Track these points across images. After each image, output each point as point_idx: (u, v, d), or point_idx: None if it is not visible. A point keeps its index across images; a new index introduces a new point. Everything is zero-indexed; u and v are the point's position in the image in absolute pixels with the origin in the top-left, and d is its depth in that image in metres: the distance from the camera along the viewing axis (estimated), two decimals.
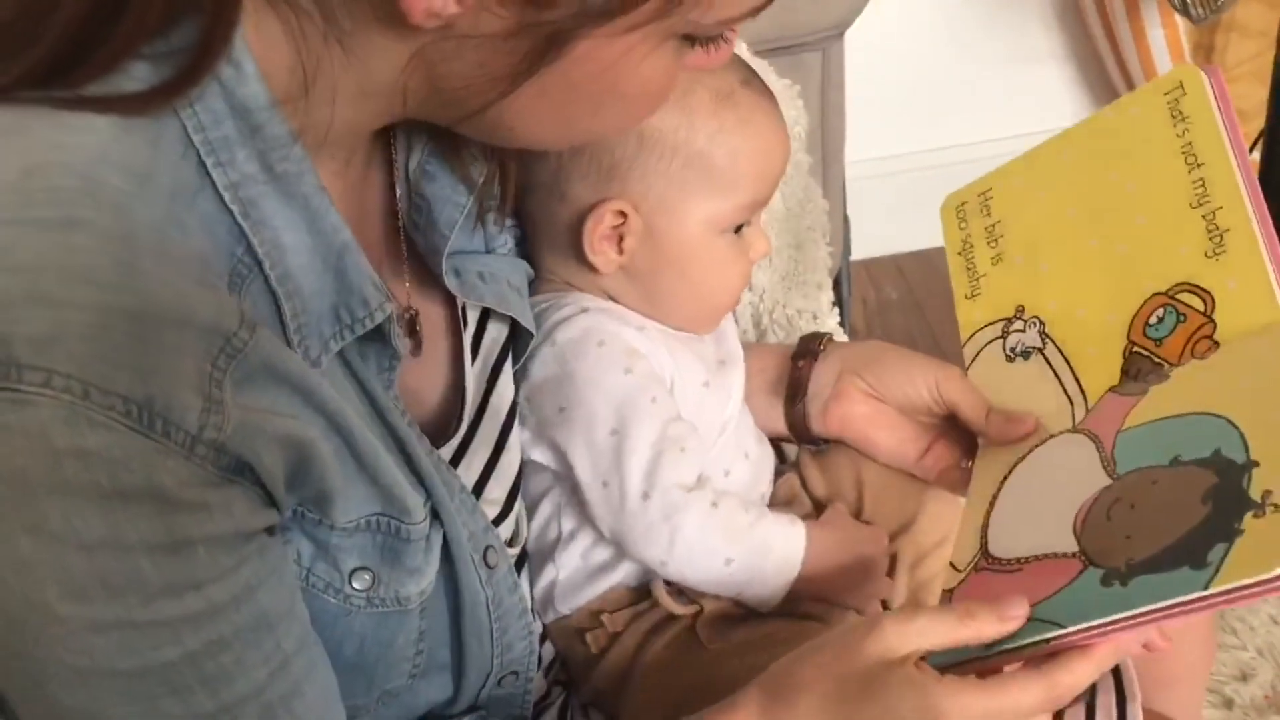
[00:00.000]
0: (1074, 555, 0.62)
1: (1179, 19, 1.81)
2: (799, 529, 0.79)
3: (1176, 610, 0.56)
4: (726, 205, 0.78)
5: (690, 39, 0.60)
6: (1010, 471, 0.72)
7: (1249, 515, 0.57)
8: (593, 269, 0.79)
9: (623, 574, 0.80)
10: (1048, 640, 0.59)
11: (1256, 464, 0.59)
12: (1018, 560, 0.65)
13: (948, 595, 0.67)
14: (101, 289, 0.50)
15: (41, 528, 0.49)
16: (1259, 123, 1.48)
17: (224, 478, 0.52)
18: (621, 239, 0.78)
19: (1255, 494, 0.58)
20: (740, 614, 0.79)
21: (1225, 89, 0.73)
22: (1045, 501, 0.69)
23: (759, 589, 0.77)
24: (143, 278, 0.51)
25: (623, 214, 0.77)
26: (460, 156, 0.71)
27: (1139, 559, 0.59)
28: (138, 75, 0.54)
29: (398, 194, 0.71)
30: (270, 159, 0.56)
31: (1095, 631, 0.59)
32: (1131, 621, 0.57)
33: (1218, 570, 0.55)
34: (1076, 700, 0.82)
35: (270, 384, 0.55)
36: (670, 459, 0.76)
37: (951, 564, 0.69)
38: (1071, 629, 0.59)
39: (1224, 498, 0.59)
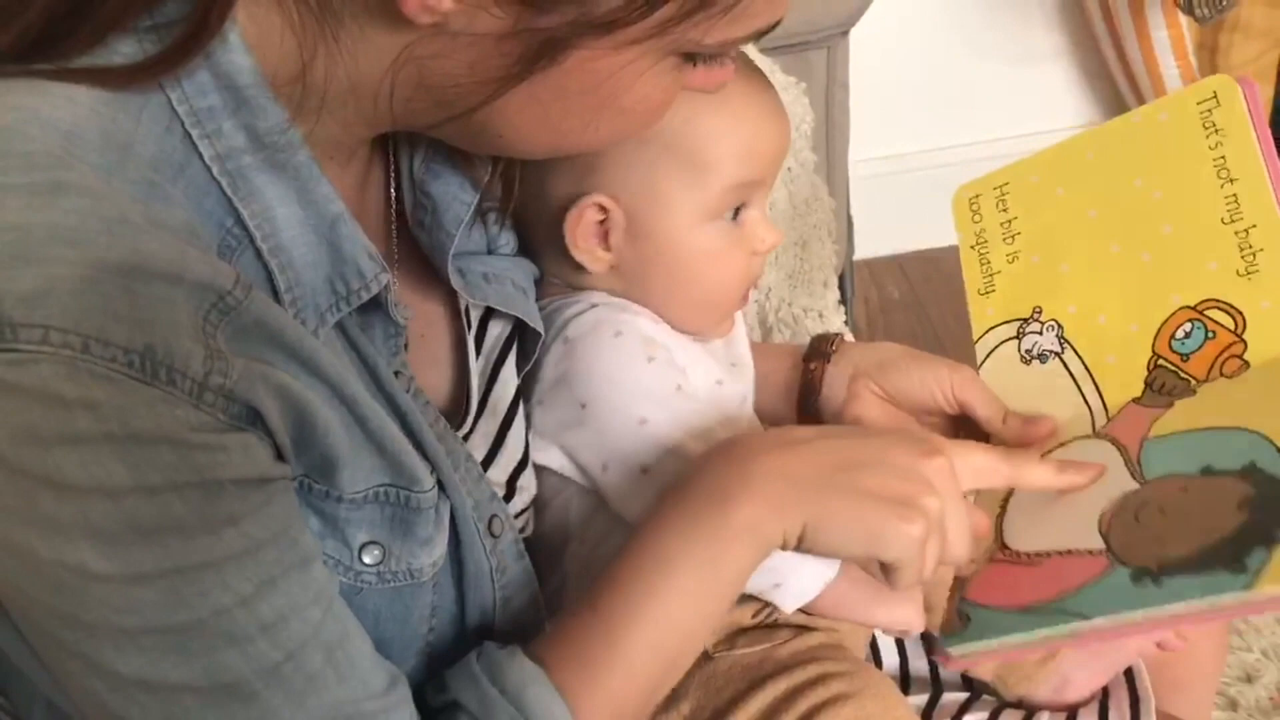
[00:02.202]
0: (1100, 553, 0.62)
1: (1183, 19, 1.80)
2: None
3: (1212, 613, 0.56)
4: (711, 189, 0.75)
5: (690, 57, 0.59)
6: None
7: None
8: (580, 270, 0.77)
9: None
10: (1074, 631, 0.59)
11: None
12: (1037, 554, 0.65)
13: (961, 584, 0.66)
14: (90, 247, 0.49)
15: (61, 481, 0.48)
16: None
17: (235, 425, 0.51)
18: (607, 235, 0.76)
19: None
20: (748, 625, 0.78)
21: (1259, 102, 0.72)
22: (1067, 500, 0.68)
23: (793, 585, 0.73)
24: (134, 235, 0.50)
25: (603, 208, 0.75)
26: (466, 154, 0.70)
27: (1172, 559, 0.58)
28: (124, 50, 0.53)
29: (393, 195, 0.71)
30: (259, 131, 0.56)
31: (1125, 629, 0.58)
32: (1161, 620, 0.57)
33: (1258, 575, 0.55)
34: (1089, 701, 0.82)
35: (265, 345, 0.54)
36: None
37: None
38: (1100, 620, 0.58)
39: (1262, 507, 0.58)
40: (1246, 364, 0.68)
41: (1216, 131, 0.72)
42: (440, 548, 0.64)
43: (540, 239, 0.79)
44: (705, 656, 0.77)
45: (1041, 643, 0.61)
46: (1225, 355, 0.69)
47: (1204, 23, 1.63)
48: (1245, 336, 0.68)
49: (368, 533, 0.61)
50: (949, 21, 2.01)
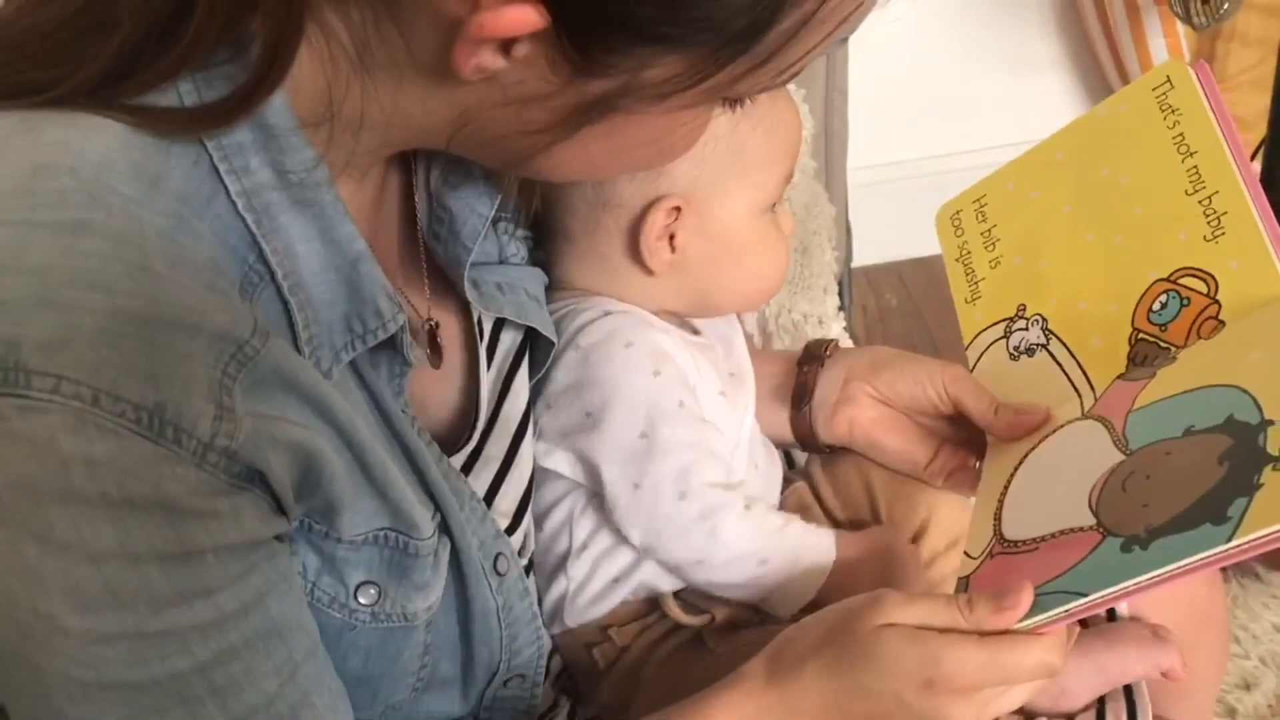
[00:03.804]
0: (1091, 528, 0.62)
1: (1180, 26, 1.81)
2: (828, 533, 0.78)
3: (1198, 566, 0.56)
4: (768, 182, 0.79)
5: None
6: (1021, 462, 0.72)
7: (1268, 469, 0.57)
8: (643, 272, 0.79)
9: (633, 586, 0.79)
10: (1069, 610, 0.60)
11: (1272, 422, 0.59)
12: (1033, 540, 0.65)
13: (964, 583, 0.67)
14: (112, 293, 0.49)
15: (49, 537, 0.49)
16: (1260, 131, 1.48)
17: (234, 485, 0.52)
18: (673, 236, 0.78)
19: (1273, 449, 0.58)
20: (748, 620, 0.79)
21: (1213, 81, 0.74)
22: (1059, 483, 0.69)
23: (786, 593, 0.76)
24: (154, 282, 0.50)
25: (676, 209, 0.77)
26: (483, 168, 0.70)
27: (1158, 523, 0.59)
28: (167, 95, 0.53)
29: (417, 205, 0.71)
30: (285, 167, 0.56)
31: (1119, 595, 0.59)
32: (1154, 581, 0.57)
33: (1239, 523, 0.55)
34: (1086, 709, 0.82)
35: (280, 392, 0.54)
36: (704, 460, 0.75)
37: (966, 553, 0.69)
38: (1095, 596, 0.59)
39: (1241, 457, 0.59)
40: (1222, 324, 0.70)
41: (1173, 112, 0.74)
42: (436, 593, 0.65)
43: (587, 247, 0.80)
44: (705, 650, 0.78)
45: (1045, 627, 0.61)
46: (1202, 319, 0.70)
47: (1201, 30, 1.63)
48: (1218, 298, 0.70)
49: (365, 573, 0.61)
50: (948, 29, 2.01)
